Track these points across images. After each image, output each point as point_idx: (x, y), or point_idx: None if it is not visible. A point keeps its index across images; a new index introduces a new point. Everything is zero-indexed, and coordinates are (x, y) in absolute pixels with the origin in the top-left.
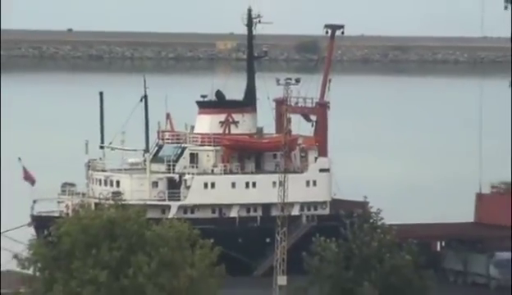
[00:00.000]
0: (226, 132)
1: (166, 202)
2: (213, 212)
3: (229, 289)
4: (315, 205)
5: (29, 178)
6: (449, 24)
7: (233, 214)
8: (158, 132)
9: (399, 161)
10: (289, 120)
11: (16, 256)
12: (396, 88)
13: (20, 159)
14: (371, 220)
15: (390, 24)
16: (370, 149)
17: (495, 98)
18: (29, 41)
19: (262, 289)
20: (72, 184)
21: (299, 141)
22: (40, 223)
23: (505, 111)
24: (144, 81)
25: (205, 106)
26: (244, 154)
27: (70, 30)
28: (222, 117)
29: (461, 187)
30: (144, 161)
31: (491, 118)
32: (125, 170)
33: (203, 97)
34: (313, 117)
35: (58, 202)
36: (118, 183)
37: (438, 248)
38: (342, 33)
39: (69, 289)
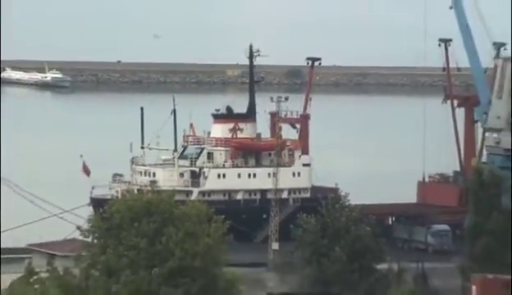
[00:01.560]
0: (234, 136)
1: (190, 188)
2: (224, 196)
3: (235, 252)
4: (299, 190)
5: (86, 170)
6: (397, 56)
7: (239, 197)
8: (184, 136)
9: (362, 158)
10: (280, 128)
11: (78, 228)
12: (359, 104)
13: (81, 156)
14: (341, 201)
15: (354, 57)
16: (341, 149)
17: (433, 112)
18: (89, 70)
19: (260, 252)
20: (120, 175)
21: (288, 143)
22: (97, 203)
23: (439, 121)
24: (174, 100)
25: (218, 117)
26: (247, 153)
27: (119, 62)
28: (231, 126)
29: (408, 177)
30: (173, 157)
31: (430, 126)
32: (160, 164)
33: (217, 110)
34: (298, 125)
35: (110, 188)
36: (154, 174)
37: (390, 222)
38: (319, 63)
39: (118, 253)
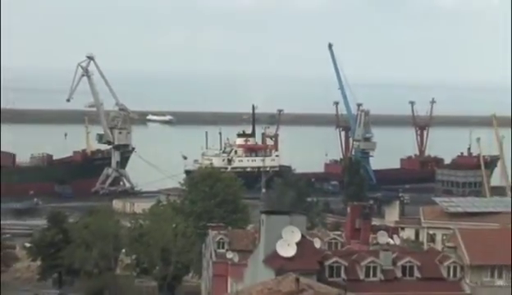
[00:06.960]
0: (246, 143)
1: (227, 166)
2: (242, 169)
3: (246, 193)
4: (274, 167)
5: (183, 158)
6: (320, 107)
7: (248, 170)
8: (224, 143)
9: (301, 153)
10: (266, 140)
11: (179, 182)
12: (302, 130)
13: (181, 152)
14: (291, 171)
15: (300, 108)
16: (292, 149)
17: (331, 133)
18: (182, 115)
19: (257, 193)
20: (197, 160)
21: (269, 146)
22: (187, 172)
23: (334, 137)
24: (220, 128)
25: (239, 135)
26: (252, 151)
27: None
28: (245, 139)
29: (320, 161)
30: (220, 152)
31: (330, 139)
32: (214, 155)
33: (239, 132)
34: (273, 138)
35: (192, 166)
36: (212, 159)
37: (312, 180)
38: (283, 111)
39: (196, 193)
